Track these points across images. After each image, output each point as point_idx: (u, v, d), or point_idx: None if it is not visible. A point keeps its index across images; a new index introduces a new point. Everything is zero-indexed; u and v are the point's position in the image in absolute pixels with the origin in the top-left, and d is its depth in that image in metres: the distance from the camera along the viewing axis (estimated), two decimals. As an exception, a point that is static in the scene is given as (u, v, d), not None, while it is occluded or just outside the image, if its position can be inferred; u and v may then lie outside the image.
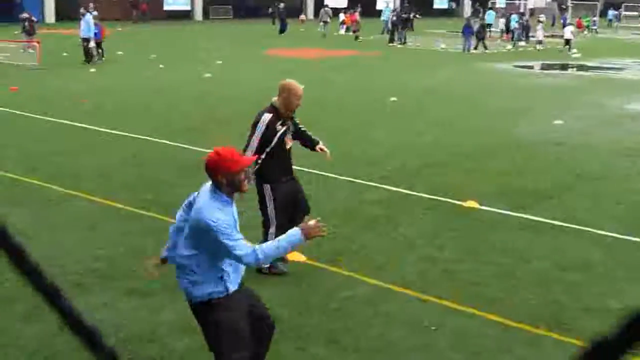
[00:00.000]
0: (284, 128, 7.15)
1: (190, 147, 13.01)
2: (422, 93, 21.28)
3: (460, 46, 36.74)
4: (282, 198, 7.24)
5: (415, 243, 8.42)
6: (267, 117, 7.06)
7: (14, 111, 16.93)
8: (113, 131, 14.60)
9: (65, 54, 30.47)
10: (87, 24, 27.71)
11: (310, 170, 10.78)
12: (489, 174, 11.71)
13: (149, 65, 27.40)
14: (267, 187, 7.21)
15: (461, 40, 36.91)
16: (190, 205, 4.84)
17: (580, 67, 30.84)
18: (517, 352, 5.90)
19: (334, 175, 11.31)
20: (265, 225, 7.33)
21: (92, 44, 27.98)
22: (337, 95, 20.51)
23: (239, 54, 32.80)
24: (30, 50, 29.35)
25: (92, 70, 25.91)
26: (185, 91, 20.84)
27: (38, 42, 28.81)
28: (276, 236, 6.55)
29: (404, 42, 39.98)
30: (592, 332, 6.19)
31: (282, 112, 7.12)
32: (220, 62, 28.70)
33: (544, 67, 31.17)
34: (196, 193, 4.80)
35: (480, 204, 9.89)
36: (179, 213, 4.98)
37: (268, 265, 7.06)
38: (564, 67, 31.40)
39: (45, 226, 8.79)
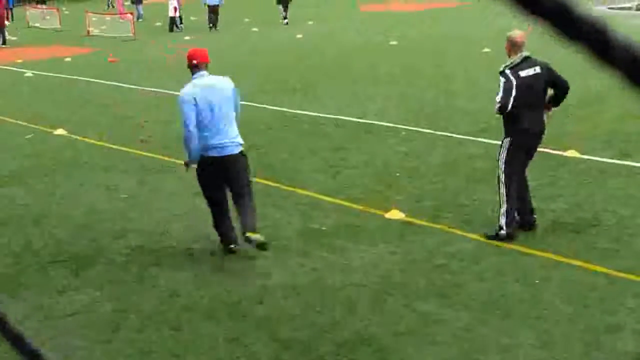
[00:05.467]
0: None
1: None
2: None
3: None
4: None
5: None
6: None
7: (115, 83, 17.51)
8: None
9: (158, 24, 31.15)
10: None
11: (406, 127, 10.67)
12: (589, 121, 11.34)
13: (244, 30, 27.65)
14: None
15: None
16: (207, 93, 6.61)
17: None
18: (628, 304, 5.76)
19: (430, 131, 11.24)
20: None
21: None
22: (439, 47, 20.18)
23: (331, 11, 32.61)
24: (124, 20, 30.17)
25: (187, 37, 26.40)
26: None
27: (131, 14, 29.60)
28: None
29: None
30: None
31: None
32: (311, 22, 28.69)
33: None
34: (191, 88, 6.67)
35: (582, 153, 9.63)
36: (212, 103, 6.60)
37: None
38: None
39: (153, 192, 9.13)
